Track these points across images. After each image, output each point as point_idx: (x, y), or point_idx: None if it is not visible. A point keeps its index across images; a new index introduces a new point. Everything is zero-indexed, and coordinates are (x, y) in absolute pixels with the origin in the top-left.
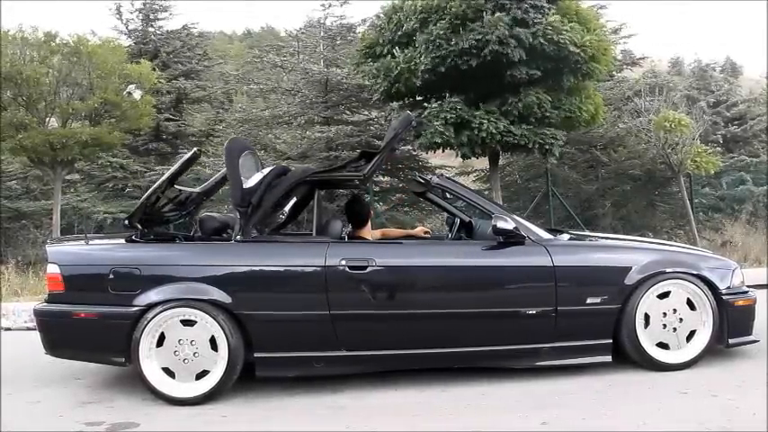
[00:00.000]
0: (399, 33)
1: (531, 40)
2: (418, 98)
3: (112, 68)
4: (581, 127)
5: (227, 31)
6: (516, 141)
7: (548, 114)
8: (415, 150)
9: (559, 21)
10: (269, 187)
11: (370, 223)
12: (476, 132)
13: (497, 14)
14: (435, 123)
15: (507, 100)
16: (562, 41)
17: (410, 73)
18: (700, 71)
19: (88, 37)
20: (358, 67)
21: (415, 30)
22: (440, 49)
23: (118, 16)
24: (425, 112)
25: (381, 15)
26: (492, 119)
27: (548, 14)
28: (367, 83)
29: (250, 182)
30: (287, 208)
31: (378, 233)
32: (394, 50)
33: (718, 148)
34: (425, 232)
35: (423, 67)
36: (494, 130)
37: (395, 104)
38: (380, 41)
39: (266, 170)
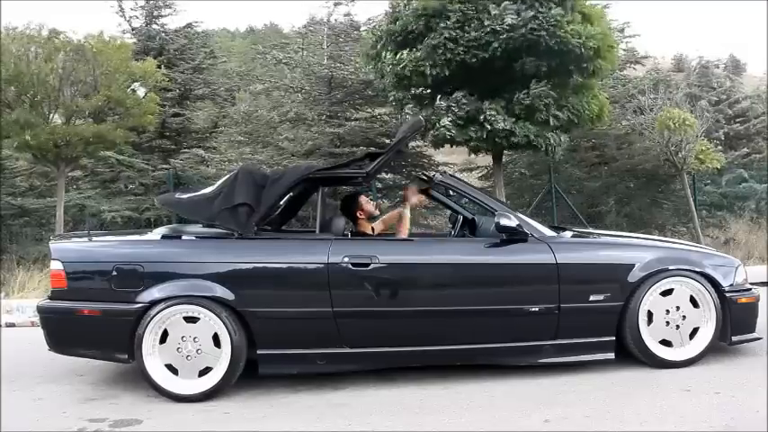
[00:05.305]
0: (405, 34)
1: (533, 31)
2: (426, 92)
3: (117, 66)
4: (586, 126)
5: (230, 27)
6: (520, 141)
7: (553, 115)
8: (426, 145)
9: (561, 14)
10: (248, 185)
11: (369, 210)
12: (481, 128)
13: (504, 3)
14: (445, 121)
15: (514, 95)
16: (564, 35)
17: (418, 75)
18: (701, 68)
19: (96, 36)
20: (373, 59)
21: (420, 31)
22: (447, 52)
23: (121, 14)
24: (434, 110)
25: (391, 9)
26: (498, 116)
27: (551, 9)
28: (371, 77)
29: (207, 190)
30: (281, 202)
31: (379, 224)
32: (402, 52)
33: (720, 147)
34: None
35: (428, 71)
36: (501, 125)
37: (400, 94)
38: (390, 37)
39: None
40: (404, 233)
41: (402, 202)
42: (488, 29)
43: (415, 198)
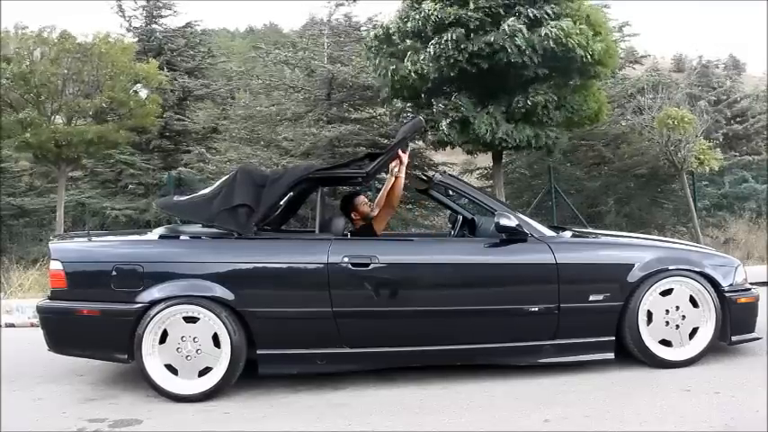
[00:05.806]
0: (414, 33)
1: (542, 42)
2: (425, 95)
3: (121, 67)
4: (584, 125)
5: (230, 27)
6: (516, 144)
7: (551, 117)
8: (426, 148)
9: (571, 25)
10: (246, 185)
11: (364, 211)
12: (477, 132)
13: (512, 22)
14: (442, 124)
15: (514, 99)
16: (571, 45)
17: (419, 79)
18: (701, 68)
19: (100, 37)
20: (375, 57)
21: (429, 32)
22: (450, 58)
23: (120, 14)
24: (433, 111)
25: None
26: (493, 123)
27: (559, 19)
28: (372, 81)
29: (206, 190)
30: (281, 202)
31: (376, 210)
32: (408, 52)
33: (718, 149)
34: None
35: (431, 76)
36: (493, 133)
37: (399, 104)
38: (399, 30)
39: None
40: (396, 197)
41: (397, 164)
42: (494, 44)
43: (406, 157)
